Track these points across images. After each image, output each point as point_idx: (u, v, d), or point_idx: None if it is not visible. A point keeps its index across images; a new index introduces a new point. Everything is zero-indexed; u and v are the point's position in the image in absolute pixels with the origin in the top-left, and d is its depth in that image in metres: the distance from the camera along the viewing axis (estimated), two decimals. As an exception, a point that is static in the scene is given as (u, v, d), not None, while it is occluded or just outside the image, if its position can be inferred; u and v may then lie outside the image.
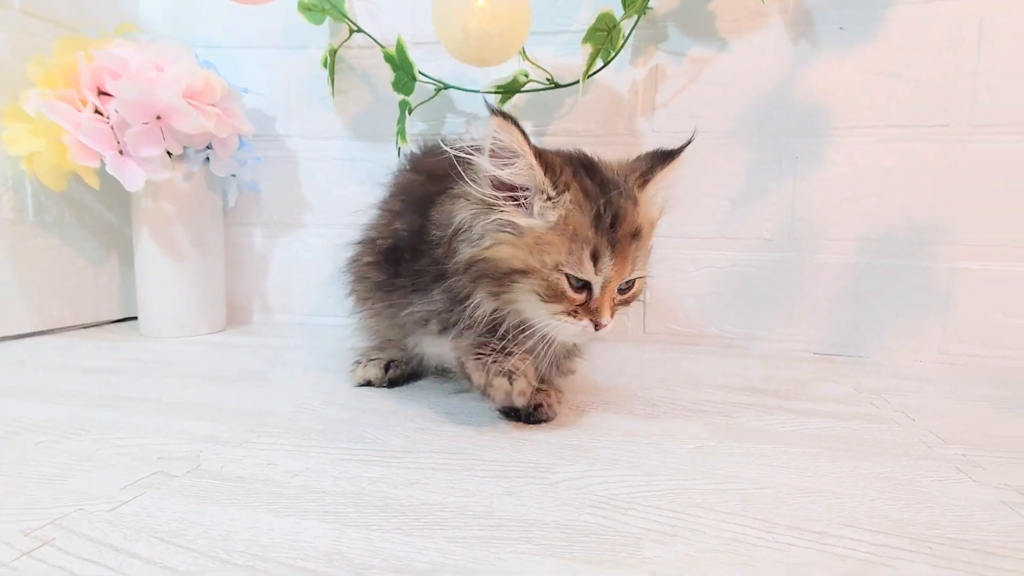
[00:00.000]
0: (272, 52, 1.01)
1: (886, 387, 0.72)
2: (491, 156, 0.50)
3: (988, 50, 0.79)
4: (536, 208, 0.50)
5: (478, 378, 0.53)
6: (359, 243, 0.69)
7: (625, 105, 0.92)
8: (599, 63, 0.84)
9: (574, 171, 0.52)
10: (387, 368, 0.69)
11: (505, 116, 0.48)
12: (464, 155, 0.50)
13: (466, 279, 0.53)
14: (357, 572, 0.33)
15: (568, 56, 0.92)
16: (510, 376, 0.52)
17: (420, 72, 0.90)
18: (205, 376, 0.71)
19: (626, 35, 0.82)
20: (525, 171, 0.49)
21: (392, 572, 0.33)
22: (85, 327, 0.98)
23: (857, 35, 0.83)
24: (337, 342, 0.90)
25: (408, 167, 0.73)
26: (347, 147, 1.02)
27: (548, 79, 0.89)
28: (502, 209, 0.51)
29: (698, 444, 0.53)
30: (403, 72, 0.90)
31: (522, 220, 0.50)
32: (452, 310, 0.55)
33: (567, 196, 0.50)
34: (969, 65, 0.80)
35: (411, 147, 0.84)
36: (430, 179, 0.62)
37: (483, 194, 0.51)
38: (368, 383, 0.68)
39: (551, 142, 0.95)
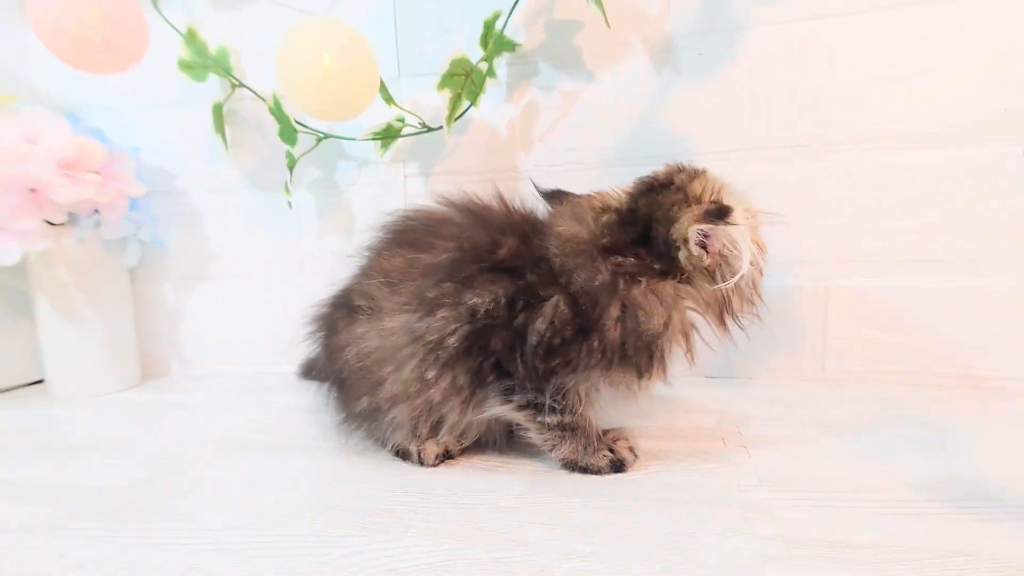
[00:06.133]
0: (166, 110, 1.03)
1: (750, 415, 0.71)
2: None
3: (834, 72, 0.79)
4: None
5: (603, 467, 0.58)
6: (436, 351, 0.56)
7: (504, 142, 0.93)
8: (466, 104, 0.85)
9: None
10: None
11: None
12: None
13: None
14: None
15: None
16: (631, 450, 0.60)
17: (298, 123, 0.92)
18: (71, 446, 0.72)
19: (485, 74, 0.82)
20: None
21: None
22: (-2, 392, 1.00)
23: (715, 61, 0.83)
24: (239, 394, 0.92)
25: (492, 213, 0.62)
26: (246, 199, 1.04)
27: (421, 123, 0.89)
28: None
29: (514, 501, 0.53)
30: (284, 124, 0.92)
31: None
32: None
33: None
34: (817, 86, 0.80)
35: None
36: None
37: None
38: (447, 452, 0.62)
39: (437, 182, 0.96)
